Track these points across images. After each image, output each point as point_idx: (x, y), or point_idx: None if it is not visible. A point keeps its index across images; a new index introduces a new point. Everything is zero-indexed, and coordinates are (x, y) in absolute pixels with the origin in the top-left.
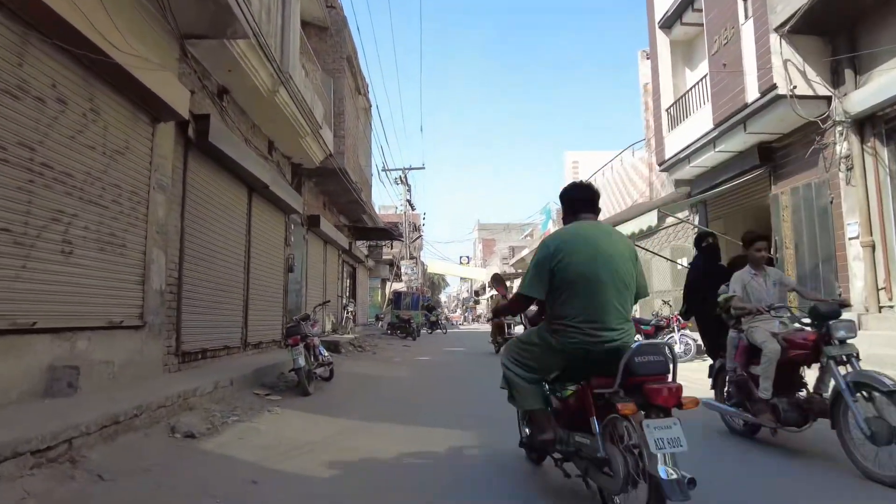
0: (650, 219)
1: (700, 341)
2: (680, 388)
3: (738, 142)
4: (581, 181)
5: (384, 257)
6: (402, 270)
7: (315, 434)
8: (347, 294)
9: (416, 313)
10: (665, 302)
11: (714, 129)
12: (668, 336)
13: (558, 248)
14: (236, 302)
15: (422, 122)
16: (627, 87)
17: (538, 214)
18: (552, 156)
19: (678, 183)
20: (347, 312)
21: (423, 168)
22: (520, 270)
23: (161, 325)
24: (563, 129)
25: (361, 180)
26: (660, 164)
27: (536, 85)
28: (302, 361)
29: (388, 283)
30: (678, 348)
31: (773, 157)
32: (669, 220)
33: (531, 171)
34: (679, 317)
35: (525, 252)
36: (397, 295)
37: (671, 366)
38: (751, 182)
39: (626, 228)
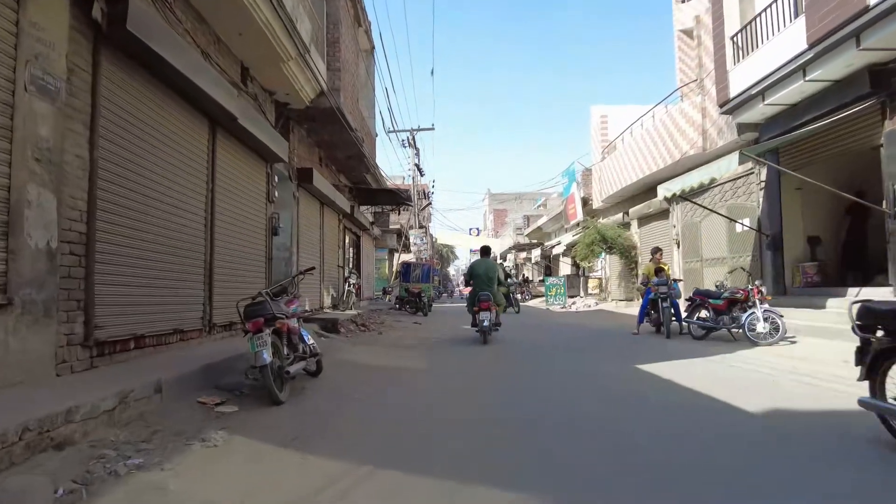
0: (728, 164)
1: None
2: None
3: (841, 65)
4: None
5: (391, 226)
6: (411, 241)
7: (268, 496)
8: (350, 265)
9: (427, 286)
10: (734, 272)
11: (808, 49)
12: (749, 314)
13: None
14: (193, 271)
15: (433, 64)
16: (654, 41)
17: (560, 177)
18: (573, 114)
19: (742, 128)
20: (349, 285)
21: (433, 129)
22: (535, 241)
23: (50, 301)
24: (584, 87)
25: (364, 132)
26: (721, 106)
27: (554, 39)
28: (267, 356)
29: (397, 255)
30: (761, 327)
31: (889, 83)
32: (727, 175)
33: (548, 133)
34: (760, 289)
35: (543, 220)
36: (406, 266)
37: None
38: (851, 119)
39: (675, 185)
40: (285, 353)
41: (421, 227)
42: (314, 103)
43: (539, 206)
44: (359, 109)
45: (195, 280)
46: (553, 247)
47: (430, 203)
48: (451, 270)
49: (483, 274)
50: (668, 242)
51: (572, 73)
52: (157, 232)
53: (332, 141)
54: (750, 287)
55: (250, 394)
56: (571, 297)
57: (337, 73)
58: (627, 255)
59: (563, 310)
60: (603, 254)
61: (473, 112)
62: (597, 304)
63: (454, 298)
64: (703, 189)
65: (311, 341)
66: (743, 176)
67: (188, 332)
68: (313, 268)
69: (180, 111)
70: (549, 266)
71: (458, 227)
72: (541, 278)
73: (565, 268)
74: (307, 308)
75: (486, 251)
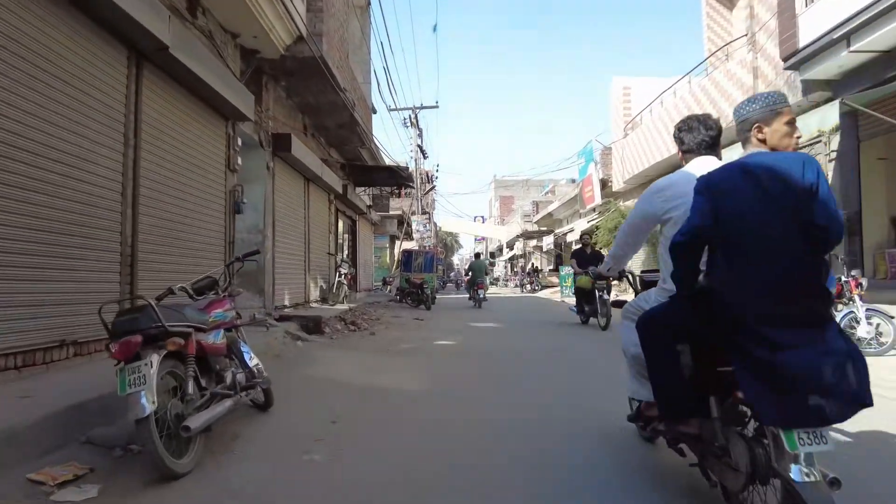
0: (821, 120)
1: None
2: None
3: None
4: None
5: (392, 212)
6: (414, 227)
7: None
8: (344, 252)
9: (431, 276)
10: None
11: None
12: (846, 312)
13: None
14: (101, 256)
15: (436, 18)
16: (677, 13)
17: (575, 158)
18: (588, 91)
19: (810, 87)
20: (340, 276)
21: (437, 107)
22: (544, 228)
23: None
24: (599, 59)
25: (357, 98)
26: (785, 59)
27: (567, 13)
28: (147, 403)
29: (398, 243)
30: (863, 330)
31: None
32: (815, 133)
33: (560, 112)
34: (860, 280)
35: (554, 205)
36: (407, 255)
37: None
38: None
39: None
40: (193, 390)
41: (424, 212)
42: (291, 52)
43: (547, 192)
44: (349, 67)
45: (104, 269)
46: (566, 234)
47: (433, 187)
48: (456, 260)
49: (478, 269)
50: None
51: (588, 44)
52: (38, 200)
53: (317, 105)
54: (845, 279)
55: (142, 452)
56: None
57: (319, 14)
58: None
59: None
60: None
61: (481, 85)
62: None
63: (462, 290)
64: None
65: (255, 362)
66: (806, 146)
67: (86, 343)
68: (257, 251)
69: (77, 26)
70: (560, 255)
71: (463, 213)
72: (551, 267)
73: None
74: (257, 314)
75: (478, 256)
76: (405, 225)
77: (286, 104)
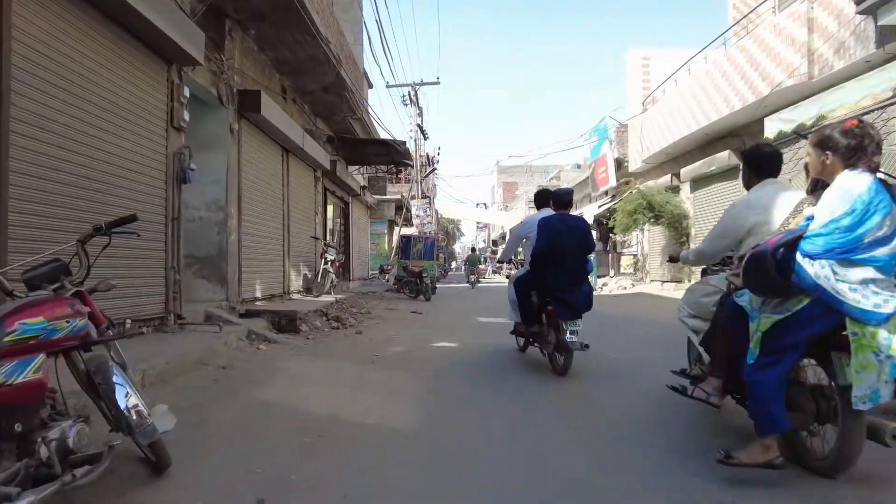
0: None
1: None
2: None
3: None
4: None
5: (390, 196)
6: (413, 212)
7: None
8: (335, 237)
9: (430, 264)
10: None
11: None
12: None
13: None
14: None
15: None
16: None
17: (587, 136)
18: (599, 65)
19: (887, 35)
20: (325, 262)
21: (438, 83)
22: None
23: None
24: (613, 35)
25: (345, 56)
26: (858, 3)
27: None
28: None
29: (397, 229)
30: None
31: None
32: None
33: (571, 91)
34: None
35: None
36: (406, 241)
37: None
38: None
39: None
40: None
41: (424, 196)
42: None
43: (551, 178)
44: (335, 19)
45: None
46: None
47: (434, 169)
48: (457, 248)
49: (474, 260)
50: None
51: (601, 15)
52: None
53: (296, 62)
54: None
55: None
56: (600, 276)
57: None
58: (677, 225)
59: (595, 293)
60: (647, 224)
61: (485, 62)
62: (633, 285)
63: (479, 294)
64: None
65: (133, 402)
66: (875, 109)
67: None
68: (133, 217)
69: None
70: None
71: (464, 198)
72: None
73: None
74: (211, 309)
75: (474, 250)
76: (404, 210)
77: (259, 59)
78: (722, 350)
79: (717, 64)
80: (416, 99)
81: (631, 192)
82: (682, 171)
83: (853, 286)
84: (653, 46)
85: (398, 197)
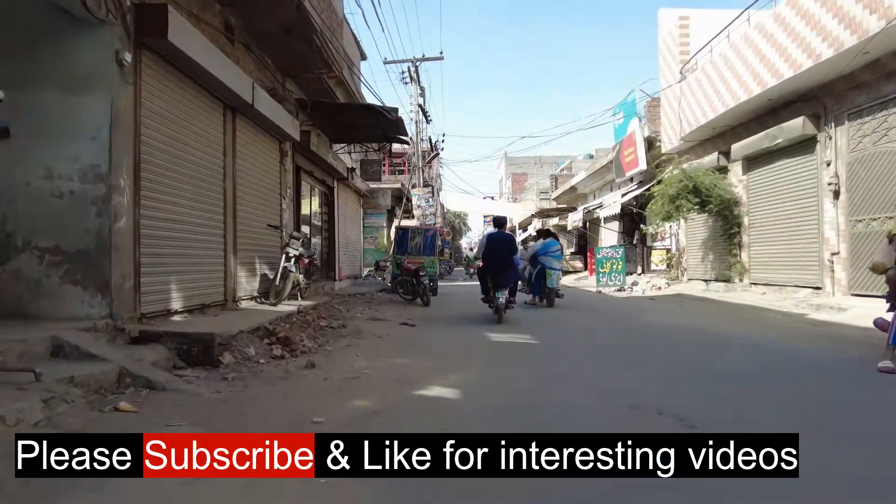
0: None
1: None
2: None
3: None
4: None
5: (387, 184)
6: (414, 202)
7: None
8: (320, 226)
9: (431, 260)
10: None
11: None
12: None
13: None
14: None
15: None
16: None
17: (612, 111)
18: (624, 37)
19: None
20: (288, 259)
21: (441, 58)
22: (563, 206)
23: None
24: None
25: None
26: None
27: None
28: None
29: (396, 221)
30: None
31: None
32: None
33: (589, 69)
34: None
35: (580, 177)
36: (402, 233)
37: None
38: None
39: None
40: None
41: (426, 185)
42: None
43: (562, 168)
44: None
45: None
46: (595, 209)
47: (437, 154)
48: (463, 243)
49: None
50: (812, 190)
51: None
52: None
53: None
54: None
55: None
56: (628, 274)
57: None
58: (727, 213)
59: (625, 294)
60: (692, 212)
61: (492, 38)
62: (668, 284)
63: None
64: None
65: None
66: None
67: None
68: None
69: None
70: (584, 234)
71: (471, 189)
72: (572, 250)
73: (610, 236)
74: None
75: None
76: (404, 200)
77: None
78: None
79: (778, 16)
80: (418, 76)
81: (672, 173)
82: (734, 147)
83: None
84: (687, 5)
85: (398, 185)
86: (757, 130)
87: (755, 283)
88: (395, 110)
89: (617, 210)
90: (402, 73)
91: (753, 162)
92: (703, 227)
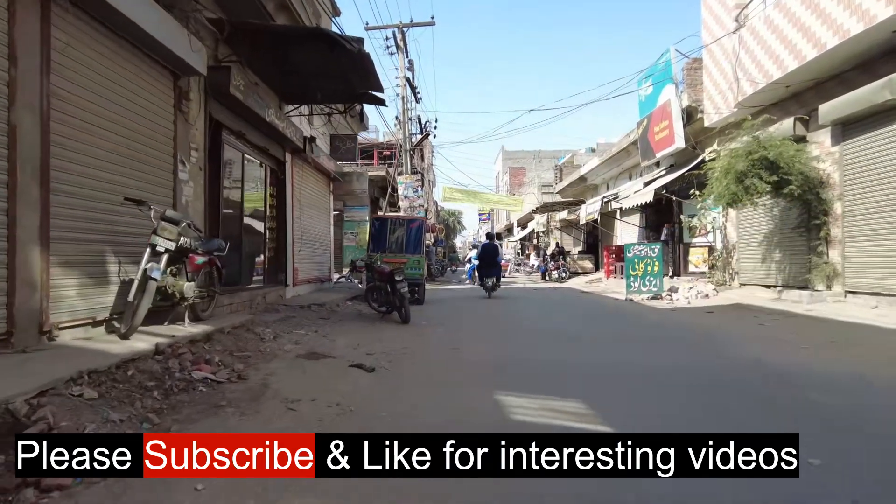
0: None
1: None
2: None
3: None
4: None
5: (365, 168)
6: (401, 192)
7: None
8: (267, 209)
9: (416, 259)
10: None
11: None
12: None
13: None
14: None
15: None
16: None
17: (640, 81)
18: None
19: None
20: (154, 256)
21: (433, 23)
22: (568, 199)
23: None
24: None
25: None
26: None
27: None
28: None
29: (381, 213)
30: None
31: None
32: None
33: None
34: None
35: (592, 164)
36: (380, 225)
37: None
38: None
39: None
40: None
41: (415, 171)
42: None
43: (563, 162)
44: None
45: None
46: (609, 201)
47: (427, 135)
48: (458, 243)
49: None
50: None
51: None
52: None
53: None
54: None
55: None
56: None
57: None
58: (811, 197)
59: (665, 303)
60: (765, 195)
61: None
62: (716, 291)
63: (500, 306)
64: None
65: None
66: None
67: None
68: None
69: None
70: (594, 228)
71: (466, 182)
72: (580, 249)
73: (629, 231)
74: None
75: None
76: (388, 191)
77: None
78: None
79: None
80: (405, 44)
81: (741, 141)
82: (823, 108)
83: None
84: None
85: (382, 174)
86: (862, 82)
87: (853, 292)
88: (359, 40)
89: (649, 198)
90: (387, 39)
91: (852, 127)
92: (766, 217)
